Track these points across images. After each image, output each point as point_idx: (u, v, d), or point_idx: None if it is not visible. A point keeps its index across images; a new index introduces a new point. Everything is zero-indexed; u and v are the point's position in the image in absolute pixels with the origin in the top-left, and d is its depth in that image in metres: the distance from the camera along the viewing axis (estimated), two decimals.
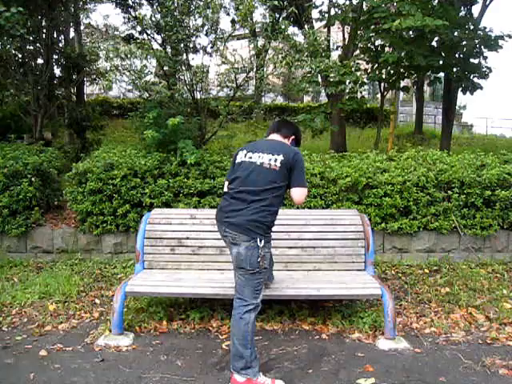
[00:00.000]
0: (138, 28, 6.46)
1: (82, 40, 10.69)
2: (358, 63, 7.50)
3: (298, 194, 2.61)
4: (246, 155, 2.71)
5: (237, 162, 2.74)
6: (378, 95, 9.34)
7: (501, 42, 7.47)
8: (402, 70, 7.36)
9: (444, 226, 4.80)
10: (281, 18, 7.05)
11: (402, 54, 6.93)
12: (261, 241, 2.49)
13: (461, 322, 3.40)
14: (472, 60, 7.71)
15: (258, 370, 2.51)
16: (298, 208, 4.67)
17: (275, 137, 2.82)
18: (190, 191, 4.81)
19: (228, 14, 6.20)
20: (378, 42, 7.65)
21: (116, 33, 8.23)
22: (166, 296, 3.60)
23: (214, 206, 4.53)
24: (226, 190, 2.77)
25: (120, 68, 5.98)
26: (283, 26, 5.71)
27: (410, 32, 7.04)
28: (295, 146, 2.84)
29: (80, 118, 8.68)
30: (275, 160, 2.60)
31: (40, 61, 8.01)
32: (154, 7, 6.19)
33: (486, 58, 7.75)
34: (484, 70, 7.71)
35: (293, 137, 2.84)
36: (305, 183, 2.65)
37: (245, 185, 2.60)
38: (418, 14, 6.11)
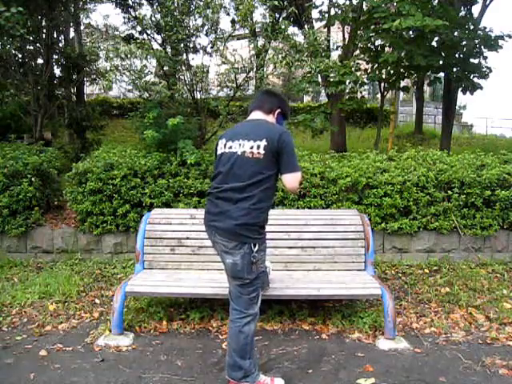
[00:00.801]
0: (138, 28, 6.47)
1: (82, 40, 10.71)
2: (358, 63, 7.50)
3: (290, 180, 2.29)
4: (225, 145, 2.37)
5: (218, 153, 2.43)
6: (378, 95, 9.34)
7: (501, 42, 7.47)
8: (401, 70, 7.36)
9: (444, 226, 4.80)
10: (281, 18, 7.06)
11: (402, 54, 6.94)
12: (255, 245, 2.27)
13: (461, 322, 3.40)
14: (472, 60, 7.71)
15: (258, 372, 2.45)
16: (297, 208, 4.68)
17: (257, 115, 2.43)
18: (190, 191, 4.81)
19: (228, 14, 6.20)
20: (378, 42, 7.65)
21: (116, 33, 8.25)
22: (166, 296, 3.60)
23: None
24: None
25: (120, 68, 5.98)
26: (283, 26, 5.72)
27: (410, 32, 7.05)
28: (283, 119, 2.50)
29: (80, 117, 8.69)
30: (258, 146, 2.25)
31: (40, 61, 8.02)
32: (154, 7, 6.20)
33: (486, 57, 7.75)
34: (484, 70, 7.72)
35: (278, 110, 2.45)
36: (297, 167, 2.31)
37: (228, 181, 2.30)
38: (418, 14, 6.11)
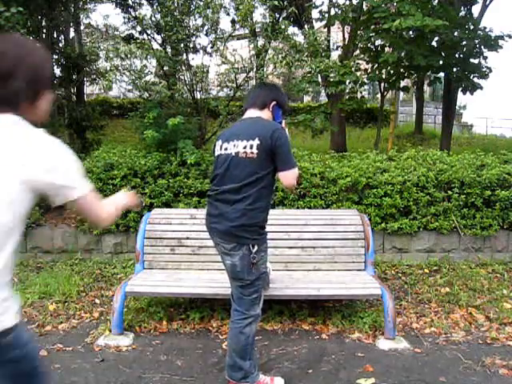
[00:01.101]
0: (138, 28, 6.47)
1: (82, 40, 10.70)
2: (358, 63, 7.51)
3: (287, 177, 2.24)
4: (221, 146, 2.35)
5: (215, 155, 2.42)
6: (378, 95, 9.35)
7: (501, 42, 7.49)
8: (401, 70, 7.36)
9: (444, 226, 4.80)
10: (281, 18, 7.05)
11: (402, 54, 6.95)
12: (254, 246, 2.24)
13: (461, 322, 3.40)
14: (472, 60, 7.72)
15: (258, 373, 2.45)
16: (297, 208, 4.68)
17: (251, 113, 2.37)
18: (189, 191, 4.81)
19: (228, 14, 6.21)
20: (378, 42, 7.66)
21: (116, 33, 8.27)
22: (166, 296, 3.60)
23: None
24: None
25: (120, 68, 5.99)
26: (283, 26, 5.72)
27: (410, 32, 7.05)
28: (281, 112, 2.39)
29: (80, 117, 8.68)
30: (251, 146, 2.21)
31: None
32: (154, 7, 6.20)
33: (486, 58, 7.76)
34: (484, 70, 7.72)
35: (273, 103, 2.35)
36: (293, 164, 2.25)
37: (225, 183, 2.27)
38: (418, 14, 6.12)
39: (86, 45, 10.89)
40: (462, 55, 7.60)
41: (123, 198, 1.70)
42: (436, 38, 7.52)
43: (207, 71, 6.02)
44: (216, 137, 6.42)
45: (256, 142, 2.22)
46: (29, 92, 1.32)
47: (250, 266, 2.26)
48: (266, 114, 2.37)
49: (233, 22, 6.14)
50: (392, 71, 7.43)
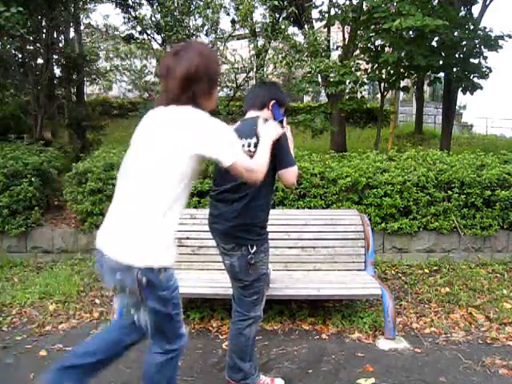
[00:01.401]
0: (138, 28, 6.49)
1: (82, 40, 10.69)
2: (358, 63, 7.52)
3: (287, 176, 2.21)
4: None
5: None
6: (378, 95, 9.35)
7: (501, 42, 7.49)
8: (401, 70, 7.37)
9: (444, 226, 4.80)
10: (281, 18, 7.07)
11: (402, 54, 6.95)
12: (252, 247, 2.21)
13: (461, 322, 3.40)
14: (472, 60, 7.72)
15: (258, 373, 2.45)
16: (297, 208, 4.68)
17: (251, 114, 2.35)
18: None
19: (228, 14, 6.23)
20: (378, 42, 7.66)
21: (116, 33, 8.26)
22: None
23: None
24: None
25: (120, 68, 6.00)
26: (283, 26, 5.74)
27: (410, 32, 7.06)
28: (281, 111, 2.34)
29: (80, 117, 8.68)
30: (249, 144, 2.19)
31: (40, 61, 8.02)
32: (154, 7, 6.21)
33: (486, 58, 7.77)
34: (484, 70, 7.73)
35: (272, 102, 2.31)
36: (292, 162, 2.21)
37: (225, 183, 2.25)
38: (418, 14, 6.12)
39: (86, 45, 10.89)
40: (462, 55, 7.60)
41: (268, 141, 2.04)
42: (436, 38, 7.53)
43: None
44: None
45: (254, 140, 2.19)
46: (207, 89, 1.77)
47: (248, 267, 2.23)
48: (265, 114, 2.33)
49: (233, 21, 6.15)
50: (392, 71, 7.43)
